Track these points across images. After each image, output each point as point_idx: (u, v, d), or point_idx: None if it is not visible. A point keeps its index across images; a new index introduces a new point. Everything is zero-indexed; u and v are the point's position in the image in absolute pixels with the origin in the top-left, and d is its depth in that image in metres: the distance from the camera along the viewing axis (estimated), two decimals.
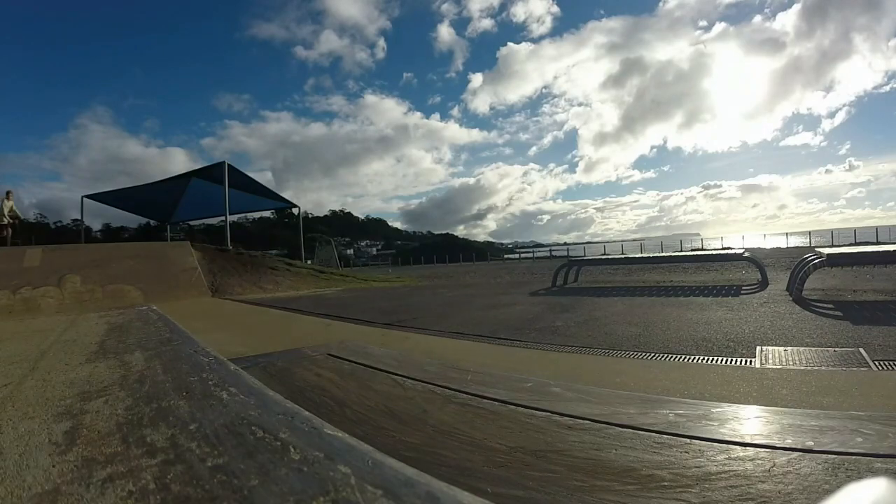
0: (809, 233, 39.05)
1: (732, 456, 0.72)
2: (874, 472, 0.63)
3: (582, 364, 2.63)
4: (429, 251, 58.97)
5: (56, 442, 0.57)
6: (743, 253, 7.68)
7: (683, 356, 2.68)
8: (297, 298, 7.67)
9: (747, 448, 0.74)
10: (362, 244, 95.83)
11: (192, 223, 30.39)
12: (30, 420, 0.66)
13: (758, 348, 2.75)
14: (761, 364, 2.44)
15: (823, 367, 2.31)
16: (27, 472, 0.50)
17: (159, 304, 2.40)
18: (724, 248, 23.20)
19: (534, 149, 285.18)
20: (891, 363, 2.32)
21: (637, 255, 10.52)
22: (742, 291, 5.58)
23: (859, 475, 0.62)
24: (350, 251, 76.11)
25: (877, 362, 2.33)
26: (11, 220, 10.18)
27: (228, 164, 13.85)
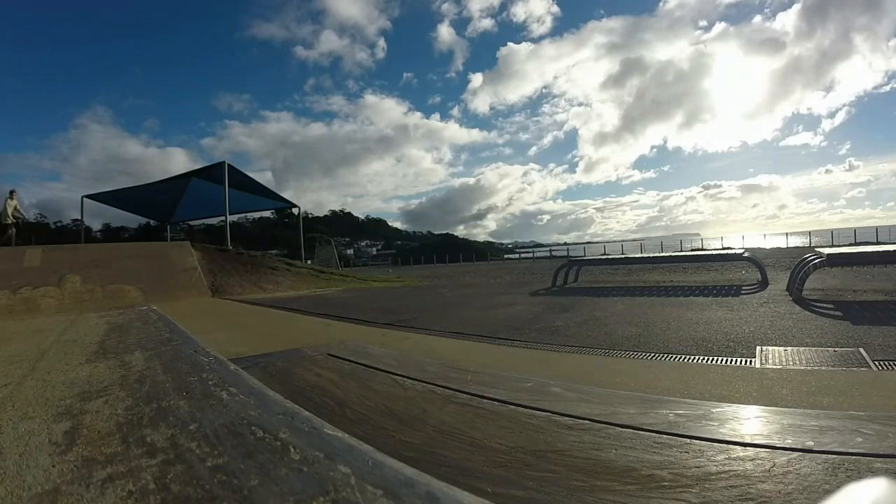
0: (809, 233, 39.06)
1: (732, 456, 0.72)
2: (874, 472, 0.63)
3: (582, 364, 2.63)
4: (429, 251, 58.97)
5: (56, 442, 0.57)
6: (743, 253, 7.68)
7: (683, 356, 2.68)
8: (297, 298, 7.67)
9: (747, 448, 0.74)
10: (362, 244, 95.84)
11: (192, 223, 30.41)
12: (30, 420, 0.66)
13: (758, 348, 2.75)
14: (761, 364, 2.44)
15: (823, 367, 2.31)
16: (27, 472, 0.50)
17: (159, 304, 2.40)
18: (724, 248, 23.19)
19: (534, 149, 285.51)
20: (891, 363, 2.32)
21: (637, 255, 10.51)
22: (742, 291, 5.58)
23: (859, 475, 0.62)
24: (350, 251, 76.12)
25: (877, 362, 2.33)
26: (15, 220, 10.19)
27: (228, 164, 13.85)
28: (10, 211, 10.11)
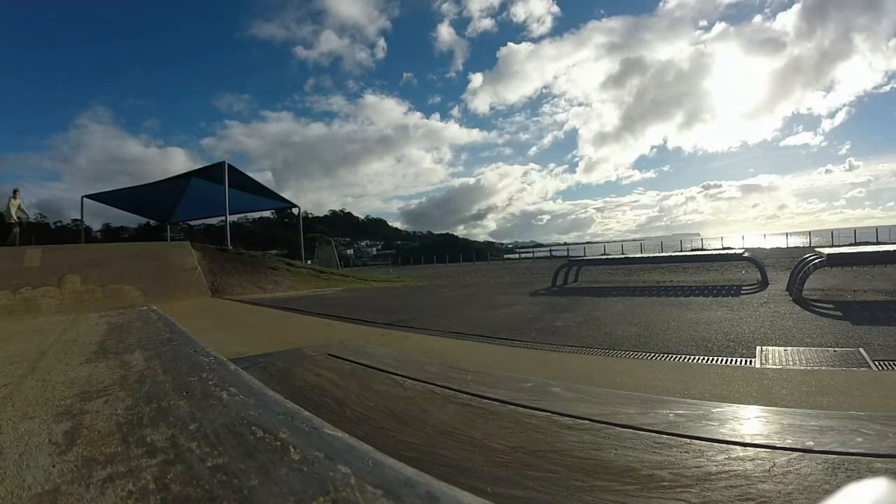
0: (809, 233, 39.05)
1: (732, 456, 0.72)
2: (874, 472, 0.63)
3: (582, 364, 2.63)
4: (429, 251, 58.96)
5: (56, 442, 0.57)
6: (743, 253, 7.68)
7: (683, 356, 2.68)
8: (297, 298, 7.67)
9: (747, 448, 0.74)
10: (362, 244, 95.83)
11: (192, 223, 30.39)
12: (30, 420, 0.66)
13: (758, 348, 2.75)
14: (761, 364, 2.44)
15: (823, 367, 2.31)
16: (27, 472, 0.50)
17: (159, 304, 2.40)
18: (724, 248, 23.19)
19: (534, 149, 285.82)
20: (891, 363, 2.32)
21: (637, 255, 10.51)
22: (742, 291, 5.58)
23: (859, 475, 0.62)
24: (350, 251, 76.10)
25: (877, 362, 2.33)
26: (18, 220, 10.19)
27: (228, 164, 13.84)
28: (13, 210, 10.11)
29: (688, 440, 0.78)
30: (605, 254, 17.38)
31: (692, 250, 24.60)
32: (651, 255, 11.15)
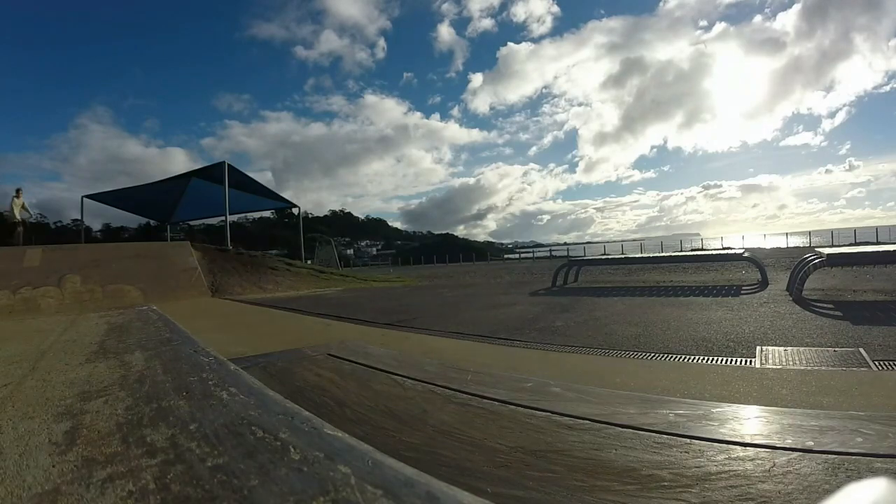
0: (809, 233, 39.04)
1: (732, 456, 0.72)
2: (874, 472, 0.63)
3: (582, 364, 2.63)
4: (429, 251, 58.95)
5: (56, 442, 0.57)
6: (743, 253, 7.68)
7: (683, 356, 2.68)
8: (297, 298, 7.67)
9: (747, 448, 0.74)
10: (362, 244, 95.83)
11: (192, 223, 30.39)
12: (30, 420, 0.66)
13: (758, 348, 2.75)
14: (761, 364, 2.44)
15: (823, 367, 2.31)
16: (27, 472, 0.50)
17: (159, 304, 2.40)
18: (724, 248, 23.19)
19: (534, 149, 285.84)
20: (891, 363, 2.32)
21: (637, 255, 10.51)
22: (742, 291, 5.58)
23: (859, 475, 0.62)
24: (350, 251, 76.08)
25: (877, 362, 2.33)
26: (21, 220, 10.18)
27: (228, 164, 13.84)
28: (17, 210, 10.09)
29: (688, 440, 0.78)
30: (604, 254, 17.38)
31: (692, 250, 24.60)
32: (651, 255, 11.16)
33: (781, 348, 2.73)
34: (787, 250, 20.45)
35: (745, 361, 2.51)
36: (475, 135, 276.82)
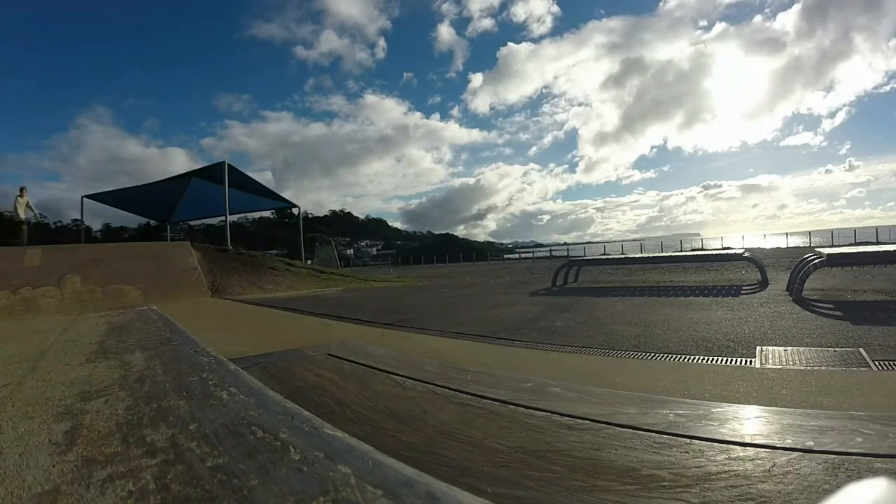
0: (809, 233, 39.04)
1: (732, 456, 0.72)
2: (874, 472, 0.63)
3: (582, 364, 2.63)
4: (429, 251, 58.93)
5: (56, 442, 0.57)
6: (743, 253, 7.68)
7: (683, 356, 2.68)
8: (297, 298, 7.67)
9: (747, 448, 0.74)
10: (362, 244, 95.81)
11: (192, 223, 30.38)
12: (30, 420, 0.66)
13: (758, 348, 2.75)
14: (761, 364, 2.44)
15: (823, 367, 2.31)
16: (27, 472, 0.50)
17: (159, 304, 2.40)
18: (724, 248, 23.18)
19: (534, 149, 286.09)
20: (891, 363, 2.32)
21: (637, 255, 10.51)
22: (742, 291, 5.58)
23: (859, 475, 0.62)
24: (350, 251, 76.05)
25: (877, 362, 2.33)
26: (25, 219, 10.16)
27: (228, 164, 13.83)
28: (21, 210, 10.06)
29: (688, 440, 0.78)
30: (604, 254, 17.38)
31: (692, 250, 24.59)
32: (651, 255, 11.15)
33: (781, 348, 2.73)
34: (787, 250, 20.45)
35: (745, 361, 2.51)
36: (475, 135, 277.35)
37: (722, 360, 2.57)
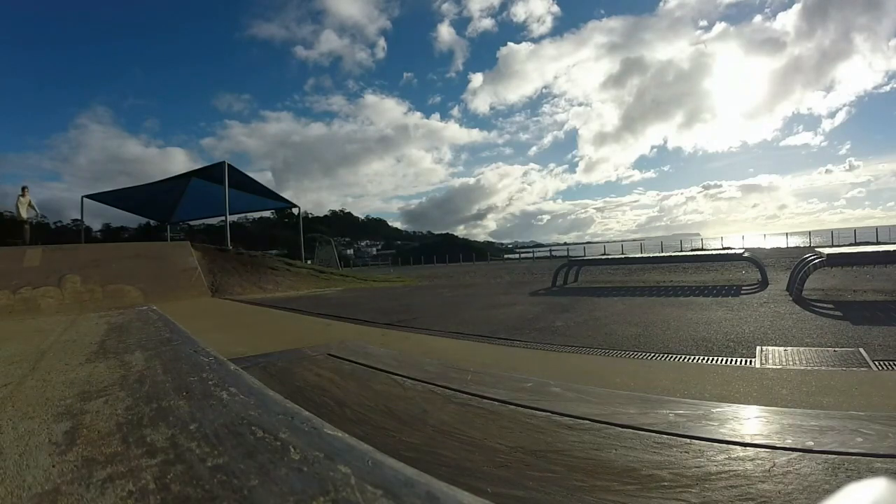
0: (809, 233, 39.04)
1: (732, 456, 0.72)
2: (874, 472, 0.63)
3: (582, 364, 2.63)
4: (429, 251, 58.91)
5: (56, 442, 0.57)
6: (743, 253, 7.68)
7: (683, 356, 2.68)
8: (297, 298, 7.67)
9: (747, 448, 0.74)
10: (362, 244, 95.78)
11: (192, 223, 30.31)
12: (30, 420, 0.66)
13: (758, 348, 2.75)
14: (761, 364, 2.44)
15: (823, 367, 2.31)
16: (27, 472, 0.50)
17: (159, 304, 2.40)
18: (724, 248, 23.18)
19: (534, 149, 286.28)
20: (891, 363, 2.32)
21: (637, 255, 10.51)
22: (742, 291, 5.58)
23: (859, 475, 0.62)
24: (350, 251, 76.01)
25: (877, 362, 2.33)
26: (28, 218, 10.14)
27: (228, 164, 13.83)
28: (23, 209, 10.04)
29: (688, 440, 0.78)
30: (604, 254, 17.38)
31: (692, 250, 24.59)
32: (651, 255, 11.15)
33: (781, 348, 2.73)
34: (787, 250, 20.45)
35: (745, 361, 2.51)
36: (475, 135, 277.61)
37: (722, 360, 2.57)
